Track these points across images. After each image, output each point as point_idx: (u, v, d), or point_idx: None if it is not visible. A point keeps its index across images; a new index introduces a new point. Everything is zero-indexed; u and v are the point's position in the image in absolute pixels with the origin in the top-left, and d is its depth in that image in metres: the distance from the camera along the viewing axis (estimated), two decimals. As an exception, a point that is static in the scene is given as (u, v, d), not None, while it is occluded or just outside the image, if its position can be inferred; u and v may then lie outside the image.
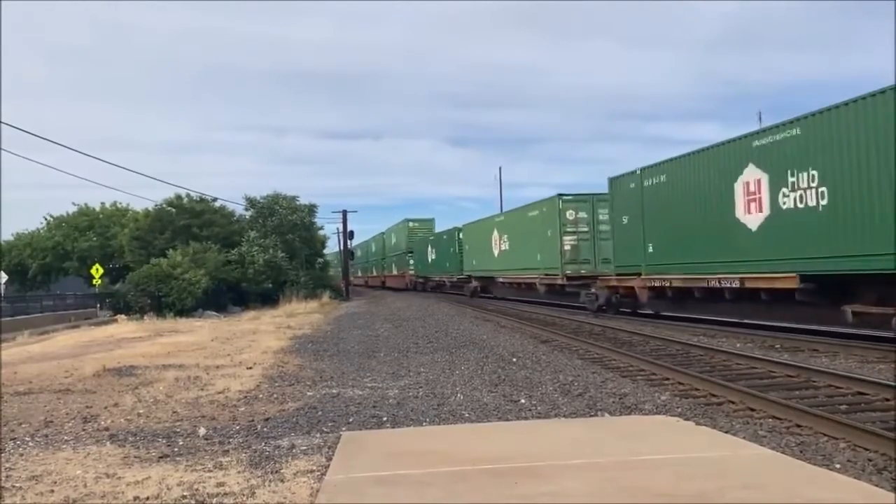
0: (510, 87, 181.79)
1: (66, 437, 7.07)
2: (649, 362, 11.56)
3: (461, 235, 40.87)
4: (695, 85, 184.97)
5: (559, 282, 26.02)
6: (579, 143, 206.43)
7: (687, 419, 7.15)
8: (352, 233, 57.01)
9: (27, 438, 7.07)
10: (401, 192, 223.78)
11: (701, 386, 9.43)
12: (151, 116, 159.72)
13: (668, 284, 18.61)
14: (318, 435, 6.84)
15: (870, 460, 5.81)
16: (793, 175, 14.08)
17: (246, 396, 9.32)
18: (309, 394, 9.50)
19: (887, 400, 8.06)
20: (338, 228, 59.46)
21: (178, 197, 47.58)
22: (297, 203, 47.84)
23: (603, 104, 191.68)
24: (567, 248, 25.58)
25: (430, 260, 48.41)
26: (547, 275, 27.07)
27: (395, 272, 59.63)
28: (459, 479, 4.75)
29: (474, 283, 38.26)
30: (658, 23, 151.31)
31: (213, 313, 37.34)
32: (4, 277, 45.30)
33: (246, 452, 6.13)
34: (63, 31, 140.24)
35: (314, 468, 5.50)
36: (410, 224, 55.65)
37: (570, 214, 25.76)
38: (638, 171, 20.32)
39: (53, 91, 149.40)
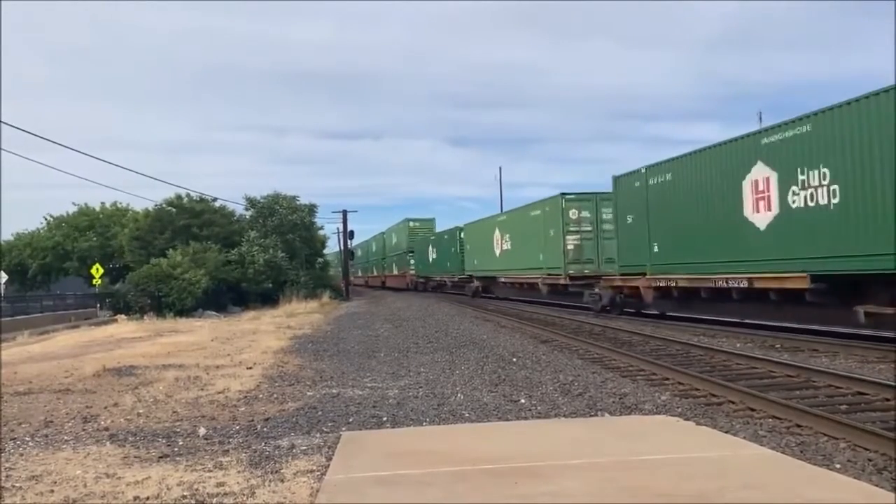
0: (510, 87, 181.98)
1: (66, 437, 7.07)
2: (649, 362, 11.56)
3: (462, 235, 40.63)
4: (695, 85, 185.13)
5: (562, 282, 25.78)
6: (579, 143, 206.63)
7: (687, 419, 7.15)
8: (352, 233, 57.04)
9: (27, 438, 7.07)
10: (401, 192, 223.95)
11: (701, 386, 9.43)
12: (151, 116, 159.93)
13: (673, 284, 18.39)
14: (318, 435, 6.84)
15: (870, 460, 5.81)
16: (803, 173, 13.82)
17: (246, 396, 9.32)
18: (309, 394, 9.50)
19: (887, 400, 8.06)
20: (338, 228, 59.55)
21: (178, 197, 47.62)
22: (297, 203, 47.85)
23: (603, 104, 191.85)
24: (570, 247, 25.35)
25: (431, 260, 48.24)
26: (549, 275, 26.85)
27: (395, 272, 59.58)
28: (459, 479, 4.75)
29: (476, 283, 38.06)
30: (658, 23, 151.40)
31: (213, 313, 37.33)
32: (4, 277, 45.30)
33: (246, 452, 6.13)
34: (63, 31, 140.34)
35: (314, 468, 5.50)
36: (411, 224, 55.48)
37: (573, 213, 25.52)
38: (643, 170, 20.05)
39: (53, 91, 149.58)
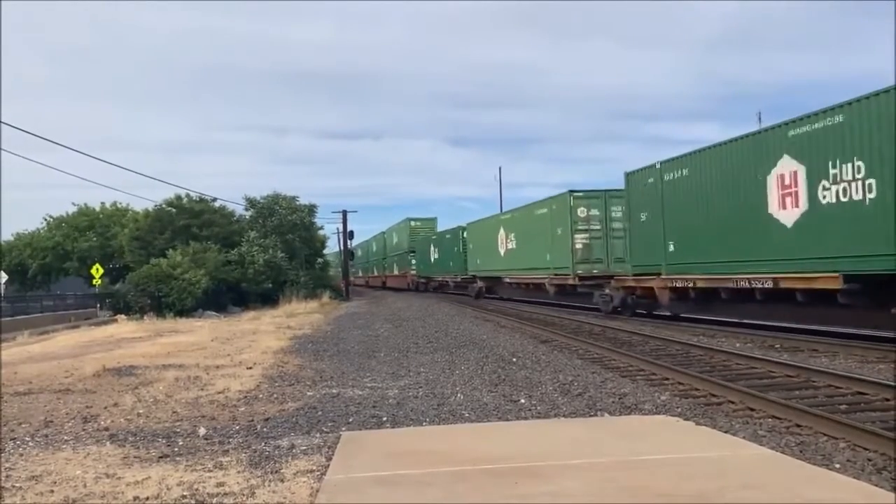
0: (510, 87, 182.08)
1: (66, 437, 7.07)
2: (649, 362, 11.56)
3: (465, 234, 39.98)
4: (695, 85, 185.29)
5: (570, 282, 25.05)
6: (579, 143, 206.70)
7: (687, 419, 7.16)
8: (352, 233, 56.99)
9: (27, 438, 7.07)
10: (401, 192, 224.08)
11: (701, 386, 9.43)
12: (151, 116, 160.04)
13: (691, 285, 17.62)
14: (317, 435, 6.84)
15: (869, 460, 5.81)
16: (834, 166, 13.01)
17: (246, 396, 9.32)
18: (309, 394, 9.50)
19: (887, 400, 8.06)
20: (338, 228, 59.49)
21: (178, 197, 47.62)
22: (297, 203, 47.85)
23: (603, 104, 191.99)
24: (579, 246, 24.59)
25: (432, 259, 47.84)
26: (557, 275, 26.15)
27: (396, 272, 59.42)
28: (459, 479, 4.75)
29: (479, 284, 37.45)
30: (658, 23, 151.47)
31: (213, 313, 37.33)
32: (4, 277, 45.31)
33: (246, 452, 6.13)
34: (63, 31, 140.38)
35: (314, 468, 5.50)
36: (412, 223, 55.08)
37: (581, 212, 24.79)
38: (657, 165, 19.27)
39: (53, 91, 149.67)
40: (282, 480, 5.20)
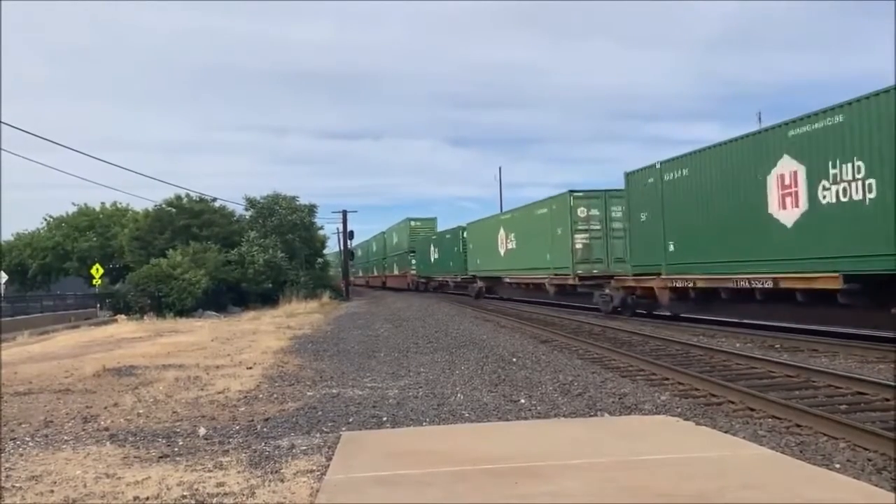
0: (510, 87, 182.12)
1: (66, 437, 7.07)
2: (649, 362, 11.56)
3: (465, 234, 39.92)
4: (695, 85, 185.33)
5: (570, 282, 25.02)
6: (579, 143, 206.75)
7: (687, 419, 7.16)
8: (352, 233, 56.98)
9: (27, 438, 7.07)
10: (401, 192, 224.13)
11: (701, 386, 9.43)
12: (151, 116, 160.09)
13: (691, 285, 17.59)
14: (318, 435, 6.84)
15: (869, 460, 5.81)
16: (834, 166, 12.98)
17: (246, 396, 9.32)
18: (309, 394, 9.50)
19: (887, 400, 8.06)
20: (338, 228, 59.50)
21: (178, 197, 47.63)
22: (297, 203, 47.87)
23: (603, 104, 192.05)
24: (579, 246, 24.55)
25: (432, 259, 47.79)
26: (557, 275, 26.13)
27: (396, 272, 59.40)
28: (459, 479, 4.76)
29: (479, 284, 37.37)
30: (658, 23, 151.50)
31: (213, 313, 37.33)
32: (4, 277, 45.31)
33: (246, 452, 6.14)
34: (63, 31, 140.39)
35: (314, 468, 5.50)
36: (412, 223, 55.00)
37: (581, 212, 24.75)
38: (657, 165, 19.23)
39: (53, 91, 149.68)
40: (282, 480, 5.20)
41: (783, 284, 14.42)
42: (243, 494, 4.88)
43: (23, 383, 11.06)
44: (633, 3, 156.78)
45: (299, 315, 30.07)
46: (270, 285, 43.76)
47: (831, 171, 13.13)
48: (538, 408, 8.14)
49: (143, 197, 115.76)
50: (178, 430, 7.27)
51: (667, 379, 10.23)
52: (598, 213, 24.72)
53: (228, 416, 7.99)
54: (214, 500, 4.80)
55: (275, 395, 9.37)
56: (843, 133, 12.89)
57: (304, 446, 6.29)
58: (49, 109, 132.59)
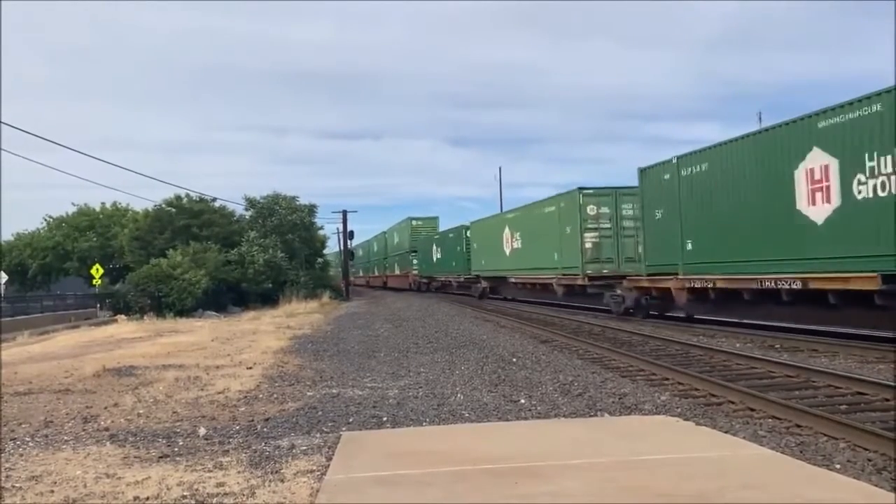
0: (510, 87, 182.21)
1: (66, 437, 7.07)
2: (649, 362, 11.56)
3: (469, 233, 39.21)
4: (695, 85, 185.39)
5: (579, 282, 24.24)
6: (579, 143, 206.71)
7: (687, 419, 7.16)
8: (352, 233, 56.92)
9: (27, 438, 7.07)
10: (401, 191, 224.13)
11: (701, 386, 9.43)
12: (151, 116, 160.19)
13: (711, 286, 16.73)
14: (318, 435, 6.84)
15: (869, 460, 5.81)
16: (871, 159, 12.14)
17: (246, 396, 9.32)
18: (309, 394, 9.50)
19: (887, 400, 8.06)
20: (338, 228, 59.50)
21: (178, 197, 47.63)
22: (297, 203, 47.86)
23: (603, 104, 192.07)
24: (588, 245, 23.61)
25: (435, 259, 47.32)
26: (565, 275, 25.39)
27: (397, 272, 59.22)
28: (459, 479, 4.76)
29: (483, 284, 36.66)
30: (658, 23, 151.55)
31: (213, 313, 37.33)
32: (4, 277, 45.32)
33: (246, 452, 6.14)
34: (63, 31, 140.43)
35: (314, 468, 5.50)
36: (414, 223, 54.67)
37: (591, 210, 23.96)
38: (674, 160, 18.42)
39: (53, 91, 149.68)
40: (282, 480, 5.20)
41: (813, 285, 13.62)
42: (243, 494, 4.88)
43: (23, 383, 11.07)
44: (633, 3, 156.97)
45: (299, 315, 30.07)
46: (270, 285, 43.76)
47: (868, 164, 12.29)
48: (538, 408, 8.13)
49: (143, 197, 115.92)
50: (178, 430, 7.27)
51: (667, 379, 10.23)
52: (608, 210, 23.93)
53: (228, 417, 7.99)
54: (214, 500, 4.80)
55: (275, 395, 9.37)
56: (881, 123, 12.05)
57: (304, 446, 6.29)
58: (49, 109, 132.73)
